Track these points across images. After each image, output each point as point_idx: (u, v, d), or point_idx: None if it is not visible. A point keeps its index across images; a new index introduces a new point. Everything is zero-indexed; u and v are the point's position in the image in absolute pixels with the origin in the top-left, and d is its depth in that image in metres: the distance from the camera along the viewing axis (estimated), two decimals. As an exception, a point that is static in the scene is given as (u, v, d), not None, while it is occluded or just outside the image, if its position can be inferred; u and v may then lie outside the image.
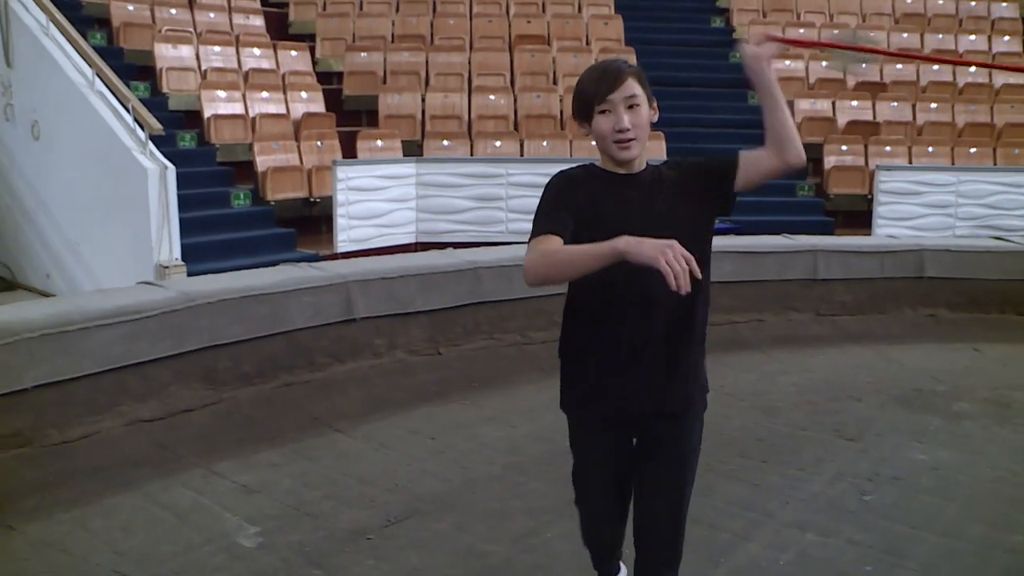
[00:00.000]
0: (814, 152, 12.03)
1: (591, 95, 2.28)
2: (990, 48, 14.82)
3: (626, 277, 2.12)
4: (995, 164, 11.78)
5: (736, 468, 4.08)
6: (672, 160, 2.46)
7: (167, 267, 7.70)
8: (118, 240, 8.47)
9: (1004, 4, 15.93)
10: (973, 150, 11.99)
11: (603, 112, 2.27)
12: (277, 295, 4.85)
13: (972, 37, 15.02)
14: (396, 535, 3.38)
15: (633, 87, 2.27)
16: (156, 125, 8.21)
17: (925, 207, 10.58)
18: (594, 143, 2.35)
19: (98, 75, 8.91)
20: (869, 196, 11.00)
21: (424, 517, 3.53)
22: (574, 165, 2.38)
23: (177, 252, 7.99)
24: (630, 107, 2.27)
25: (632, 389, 2.32)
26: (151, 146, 8.24)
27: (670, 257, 1.90)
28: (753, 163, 2.34)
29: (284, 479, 3.92)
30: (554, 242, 2.17)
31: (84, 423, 4.19)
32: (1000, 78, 13.85)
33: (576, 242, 2.18)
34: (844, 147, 11.74)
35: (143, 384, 4.43)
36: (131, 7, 12.35)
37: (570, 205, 2.24)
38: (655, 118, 2.37)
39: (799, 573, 3.17)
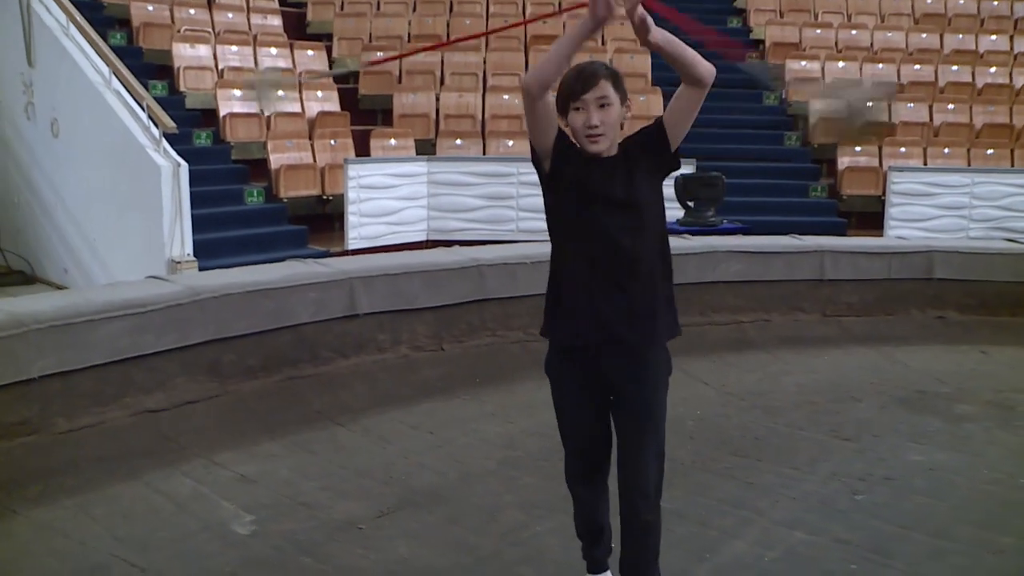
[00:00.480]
0: (828, 153, 12.05)
1: (567, 93, 2.58)
2: (1012, 48, 14.72)
3: (581, 217, 2.60)
4: (1013, 166, 11.71)
5: (730, 466, 4.11)
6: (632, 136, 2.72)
7: (179, 263, 7.81)
8: (132, 236, 8.58)
9: (1026, 4, 15.83)
10: (991, 151, 11.94)
11: (577, 109, 2.58)
12: (282, 290, 4.91)
13: (993, 37, 14.94)
14: (387, 526, 3.44)
15: (606, 88, 2.57)
16: (170, 123, 8.32)
17: (938, 208, 10.54)
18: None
19: (115, 74, 9.03)
20: (883, 197, 10.98)
21: (417, 509, 3.59)
22: None
23: (189, 248, 8.10)
24: (601, 106, 2.57)
25: (584, 318, 2.62)
26: (165, 144, 8.35)
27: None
28: (672, 105, 2.62)
29: (283, 470, 3.99)
30: None
31: (90, 413, 4.27)
32: (1021, 78, 13.77)
33: (549, 189, 2.69)
34: (858, 148, 11.71)
35: (149, 376, 4.50)
36: (151, 7, 12.50)
37: (563, 146, 2.62)
38: (627, 115, 2.65)
39: (784, 571, 3.20)
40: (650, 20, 2.44)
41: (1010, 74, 13.95)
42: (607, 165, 2.60)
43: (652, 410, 2.67)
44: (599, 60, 2.88)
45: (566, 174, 2.62)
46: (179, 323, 4.58)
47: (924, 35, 14.87)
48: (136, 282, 5.07)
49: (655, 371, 2.67)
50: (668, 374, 2.73)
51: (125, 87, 9.01)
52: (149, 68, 11.58)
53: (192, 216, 8.38)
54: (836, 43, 14.59)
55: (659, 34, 2.47)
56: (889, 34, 14.85)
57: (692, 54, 2.52)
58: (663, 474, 2.72)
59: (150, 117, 8.56)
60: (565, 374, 2.73)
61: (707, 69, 2.53)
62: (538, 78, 2.51)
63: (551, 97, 2.58)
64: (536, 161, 2.68)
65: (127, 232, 8.71)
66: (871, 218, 11.15)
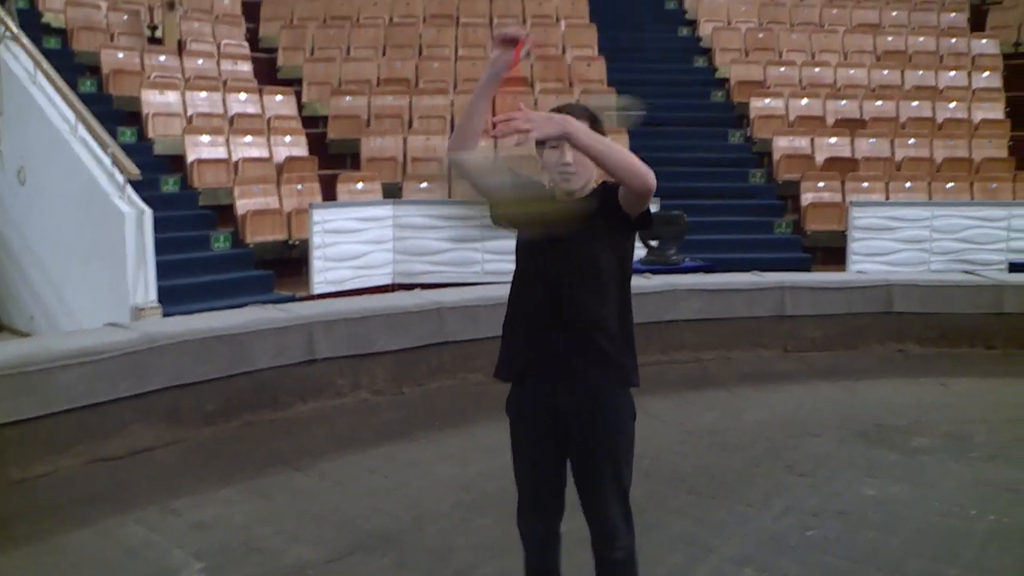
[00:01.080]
0: (792, 189, 12.20)
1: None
2: (970, 84, 15.01)
3: (538, 260, 2.62)
4: (972, 199, 11.90)
5: (684, 504, 4.13)
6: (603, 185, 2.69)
7: (143, 309, 7.80)
8: (97, 282, 8.58)
9: (984, 41, 16.13)
10: (950, 185, 12.14)
11: (553, 147, 2.59)
12: (240, 336, 4.94)
13: (952, 73, 15.22)
14: (337, 571, 3.43)
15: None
16: (134, 170, 8.36)
17: (900, 242, 10.69)
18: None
19: (80, 121, 9.06)
20: (846, 232, 11.11)
21: (368, 553, 3.59)
22: None
23: (153, 294, 8.10)
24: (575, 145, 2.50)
25: (534, 349, 2.64)
26: (130, 190, 8.38)
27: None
28: (621, 194, 2.54)
29: (237, 515, 3.98)
30: None
31: (44, 461, 4.27)
32: (979, 113, 14.03)
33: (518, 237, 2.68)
34: (821, 184, 11.88)
35: (104, 423, 4.50)
36: (121, 55, 12.58)
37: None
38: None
39: (732, 606, 3.22)
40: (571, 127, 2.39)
41: (968, 109, 14.22)
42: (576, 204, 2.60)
43: (610, 453, 2.65)
44: (578, 103, 2.85)
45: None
46: (136, 370, 4.60)
47: (886, 72, 15.14)
48: (94, 330, 5.08)
49: (614, 413, 2.66)
50: (631, 418, 2.70)
51: (91, 134, 9.04)
52: (119, 115, 11.63)
53: (158, 262, 8.40)
54: (800, 80, 14.82)
55: (584, 137, 2.39)
56: (852, 71, 15.10)
57: (620, 161, 2.40)
58: (630, 514, 2.72)
59: (115, 164, 8.59)
60: (524, 409, 2.71)
61: (639, 184, 2.41)
62: (454, 140, 2.61)
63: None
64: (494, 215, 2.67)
65: (92, 279, 8.70)
66: (835, 253, 11.28)
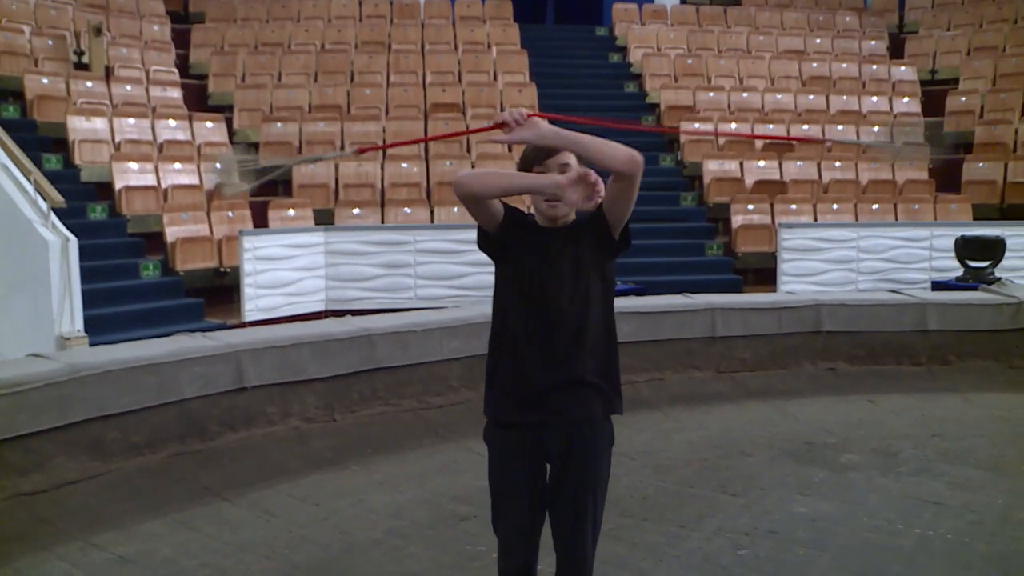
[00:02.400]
0: (723, 212, 12.39)
1: (531, 159, 2.68)
2: (891, 108, 15.43)
3: (529, 287, 2.64)
4: (896, 219, 12.20)
5: (616, 527, 4.13)
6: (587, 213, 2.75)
7: (69, 339, 7.61)
8: (21, 312, 8.35)
9: (903, 68, 16.61)
10: (876, 206, 12.43)
11: (540, 174, 2.64)
12: (166, 365, 4.83)
13: (874, 99, 15.63)
14: (265, 604, 3.37)
15: (568, 157, 2.63)
16: (58, 198, 8.18)
17: (828, 263, 10.90)
18: (529, 205, 2.74)
19: (1, 147, 8.85)
20: (776, 254, 11.30)
21: (297, 585, 3.53)
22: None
23: (80, 324, 7.91)
24: (563, 172, 2.61)
25: (522, 394, 2.65)
26: (53, 218, 8.19)
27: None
28: (606, 193, 2.61)
29: (164, 549, 3.89)
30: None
31: (-40, 499, 4.12)
32: (900, 137, 14.38)
33: (496, 282, 2.72)
34: (751, 206, 12.08)
35: (25, 457, 4.36)
36: (46, 80, 12.35)
37: (512, 221, 2.67)
38: None
39: (664, 627, 3.22)
40: (542, 129, 2.54)
41: (891, 133, 14.56)
42: (560, 238, 2.66)
43: (590, 481, 2.68)
44: None
45: (519, 244, 2.66)
46: (58, 401, 4.47)
47: (811, 97, 15.50)
48: (14, 360, 4.94)
49: (596, 443, 2.69)
50: (610, 445, 2.75)
51: (12, 161, 8.83)
52: (44, 141, 11.42)
53: (86, 291, 8.22)
54: (729, 105, 15.10)
55: (553, 136, 2.53)
56: (779, 96, 15.43)
57: (598, 148, 2.51)
58: (597, 542, 2.76)
59: (38, 191, 8.40)
60: (506, 444, 2.71)
61: (623, 161, 2.50)
62: (477, 191, 2.58)
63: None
64: (485, 239, 2.71)
65: (15, 309, 8.46)
66: (766, 274, 11.47)
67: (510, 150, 12.82)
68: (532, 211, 2.74)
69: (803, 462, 5.16)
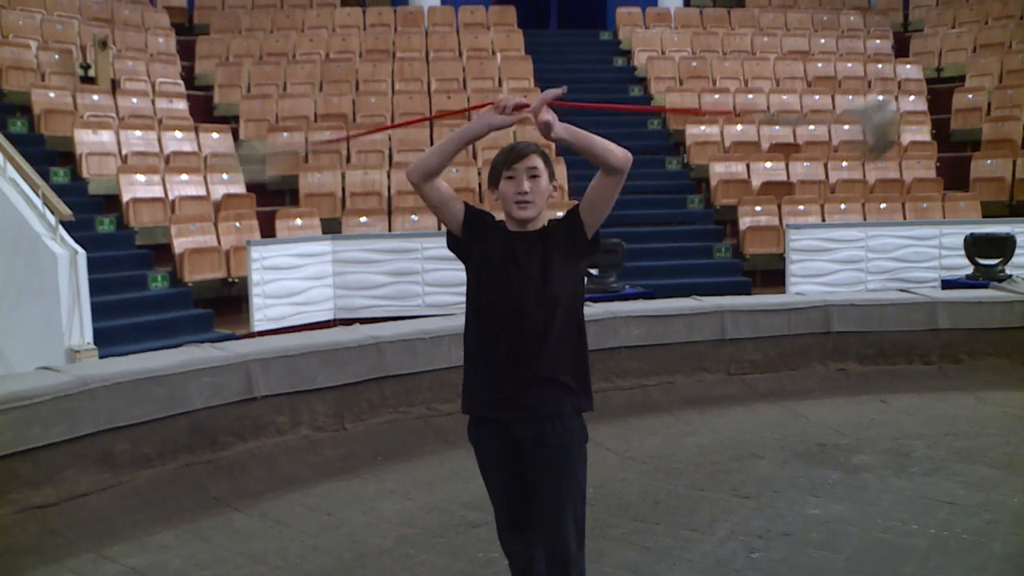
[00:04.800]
0: (730, 214, 12.36)
1: (500, 163, 2.80)
2: (897, 107, 15.36)
3: (496, 290, 2.75)
4: (904, 219, 12.16)
5: (628, 532, 4.12)
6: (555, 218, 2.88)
7: (78, 351, 7.63)
8: (30, 325, 8.37)
9: (908, 66, 16.57)
10: (883, 205, 12.39)
11: (509, 178, 2.77)
12: (175, 376, 4.83)
13: (880, 97, 15.58)
14: (277, 614, 3.36)
15: (535, 160, 2.77)
16: (66, 211, 8.20)
17: (836, 263, 10.86)
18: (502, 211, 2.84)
19: (9, 162, 8.89)
20: (784, 255, 11.26)
21: (309, 594, 3.52)
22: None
23: (89, 336, 7.93)
24: (531, 176, 2.76)
25: (491, 391, 2.78)
26: (62, 231, 8.21)
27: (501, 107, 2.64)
28: (588, 194, 2.78)
29: (175, 560, 3.89)
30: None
31: (-28, 512, 4.12)
32: (907, 135, 14.38)
33: (466, 262, 2.83)
34: (758, 208, 12.05)
35: (36, 470, 4.36)
36: (52, 94, 12.41)
37: (477, 222, 2.81)
38: (555, 192, 2.87)
39: (678, 632, 3.20)
40: (553, 118, 2.62)
41: (898, 131, 14.56)
42: (529, 241, 2.76)
43: (564, 475, 2.76)
44: (530, 140, 3.03)
45: (486, 248, 2.78)
46: (68, 414, 4.47)
47: (817, 97, 15.46)
48: (24, 374, 4.95)
49: (566, 437, 2.76)
50: (584, 441, 2.83)
51: (20, 175, 8.87)
52: (51, 155, 11.46)
53: (94, 303, 8.23)
54: (734, 107, 15.07)
55: (562, 130, 2.63)
56: (784, 97, 15.40)
57: (601, 145, 2.67)
58: (584, 534, 2.84)
59: (46, 205, 8.43)
60: (483, 439, 2.87)
61: (619, 158, 2.67)
62: (421, 169, 2.74)
63: (439, 183, 2.79)
64: (452, 241, 2.85)
65: (24, 322, 8.49)
66: (774, 276, 11.43)
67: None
68: (503, 217, 2.84)
69: (815, 463, 5.13)
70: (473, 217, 2.81)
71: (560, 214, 2.90)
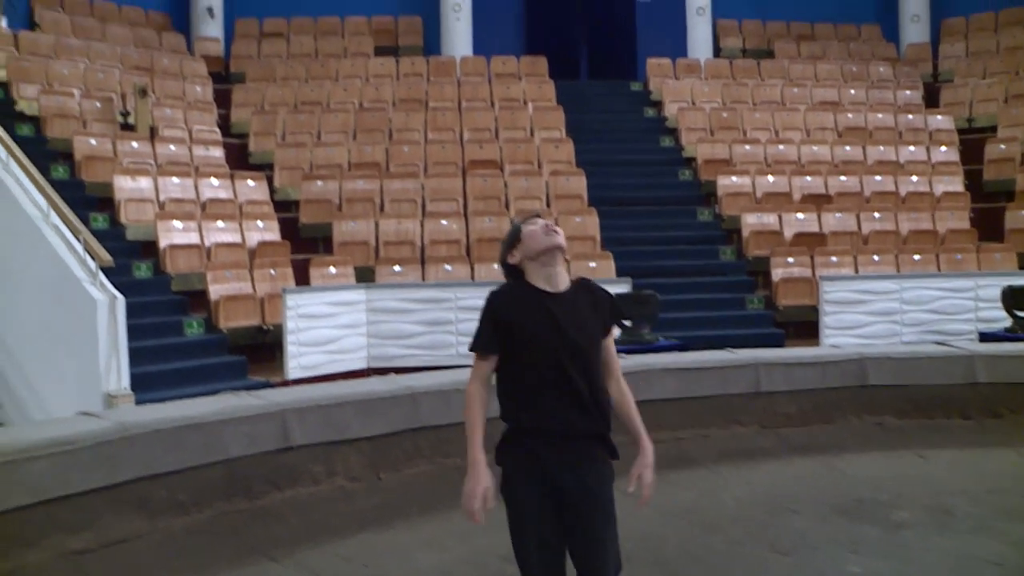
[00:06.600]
0: (762, 265, 12.34)
1: (518, 224, 3.11)
2: (929, 158, 15.35)
3: (540, 366, 2.94)
4: (939, 270, 12.08)
5: (667, 586, 4.08)
6: (586, 282, 3.15)
7: (115, 396, 7.71)
8: (68, 370, 8.48)
9: (940, 117, 16.54)
10: (917, 257, 12.31)
11: (531, 226, 3.03)
12: (213, 424, 4.86)
13: (912, 148, 15.57)
14: (315, 667, 3.34)
15: (536, 220, 3.06)
16: (106, 257, 8.33)
17: (871, 315, 10.79)
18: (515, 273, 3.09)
19: (52, 208, 9.05)
20: (817, 307, 11.20)
21: (347, 647, 3.50)
22: (507, 283, 3.11)
23: (126, 382, 8.01)
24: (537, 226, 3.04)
25: (545, 411, 2.96)
26: (101, 277, 8.34)
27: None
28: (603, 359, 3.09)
29: (212, 610, 3.88)
30: (486, 368, 3.05)
31: (11, 557, 4.14)
32: (939, 186, 14.33)
33: (505, 349, 2.98)
34: (791, 259, 12.01)
35: (75, 515, 4.39)
36: (93, 141, 12.64)
37: (499, 324, 2.97)
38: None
39: None
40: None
41: (929, 182, 14.54)
42: (560, 300, 2.98)
43: (607, 508, 2.98)
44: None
45: (519, 317, 2.97)
46: (108, 460, 4.50)
47: (848, 148, 15.46)
48: (65, 419, 5.00)
49: (608, 485, 2.99)
50: (612, 480, 3.03)
51: (63, 220, 9.02)
52: (91, 200, 11.65)
53: (131, 348, 8.33)
54: (765, 158, 15.10)
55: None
56: (815, 148, 15.41)
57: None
58: (620, 567, 3.03)
59: (87, 250, 8.56)
60: (523, 494, 2.98)
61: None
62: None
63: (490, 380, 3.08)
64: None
65: (63, 366, 8.59)
66: (808, 327, 11.36)
67: (548, 204, 12.92)
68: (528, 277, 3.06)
69: (854, 519, 5.06)
70: (498, 324, 2.98)
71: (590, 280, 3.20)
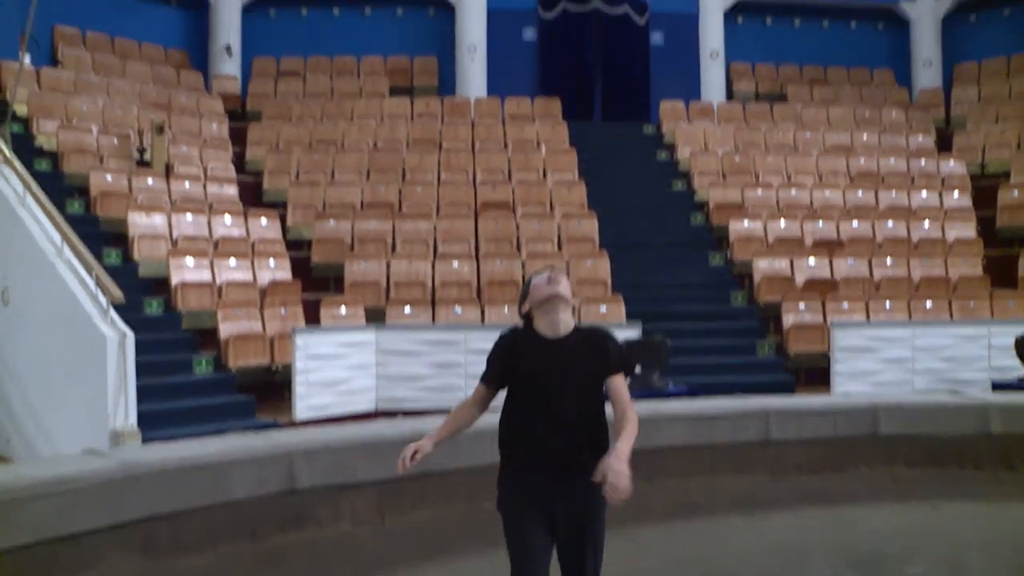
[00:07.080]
0: (773, 311, 12.28)
1: (531, 277, 3.49)
2: (941, 204, 15.32)
3: (533, 401, 3.35)
4: (951, 317, 12.00)
5: (675, 639, 4.02)
6: (590, 328, 3.52)
7: (122, 433, 7.69)
8: (76, 405, 8.48)
9: (952, 162, 16.54)
10: (929, 304, 12.24)
11: (538, 278, 3.44)
12: (218, 465, 4.84)
13: (924, 194, 15.55)
14: None
15: (562, 278, 3.42)
16: (117, 293, 8.35)
17: (882, 363, 10.72)
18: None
19: (66, 243, 9.10)
20: (829, 354, 11.13)
21: None
22: (514, 326, 3.55)
23: (133, 419, 8.00)
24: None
25: (538, 445, 3.36)
26: (112, 313, 8.36)
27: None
28: (609, 394, 3.42)
29: (213, 656, 3.83)
30: (482, 391, 3.55)
31: (13, 596, 4.12)
32: (952, 232, 14.29)
33: (507, 388, 3.44)
34: (802, 305, 11.96)
35: (78, 555, 4.37)
36: (110, 177, 12.72)
37: (503, 363, 3.45)
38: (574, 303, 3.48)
39: None
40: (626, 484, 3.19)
41: (942, 228, 14.49)
42: (560, 348, 3.36)
43: (596, 536, 3.37)
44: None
45: (522, 363, 3.38)
46: (112, 499, 4.48)
47: (860, 193, 15.45)
48: (69, 457, 4.99)
49: (600, 516, 3.36)
50: (602, 507, 3.35)
51: (76, 256, 9.07)
52: (105, 236, 11.70)
53: (139, 386, 8.32)
54: (777, 203, 15.09)
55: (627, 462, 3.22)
56: (827, 193, 15.40)
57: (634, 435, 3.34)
58: None
59: (99, 286, 8.60)
60: (518, 507, 3.40)
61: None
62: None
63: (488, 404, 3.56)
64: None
65: (71, 402, 8.60)
66: (819, 374, 11.28)
67: (559, 247, 12.93)
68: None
69: (866, 572, 5.00)
70: (509, 355, 3.42)
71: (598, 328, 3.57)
